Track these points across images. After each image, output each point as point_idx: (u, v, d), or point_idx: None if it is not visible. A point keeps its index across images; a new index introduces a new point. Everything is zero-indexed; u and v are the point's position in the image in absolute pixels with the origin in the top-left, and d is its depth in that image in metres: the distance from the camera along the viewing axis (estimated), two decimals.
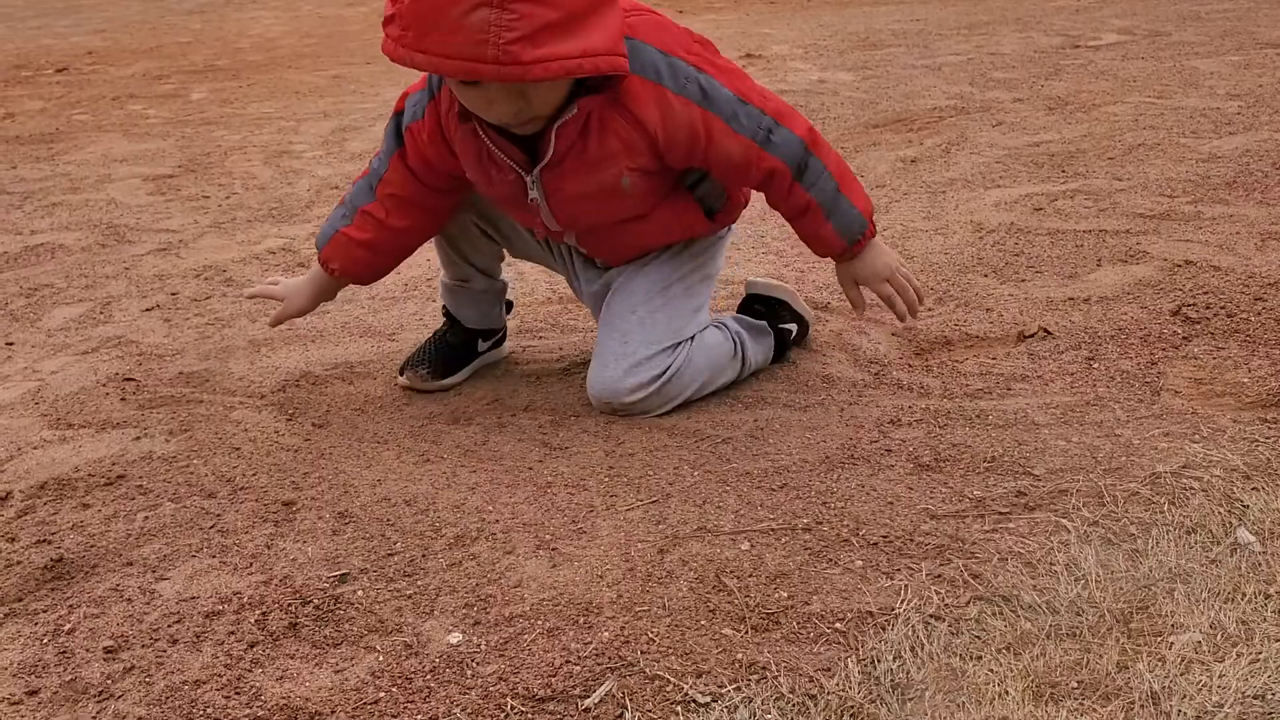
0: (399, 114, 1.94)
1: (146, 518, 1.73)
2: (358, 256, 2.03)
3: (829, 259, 1.99)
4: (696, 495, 1.67)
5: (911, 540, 1.51)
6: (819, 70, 5.01)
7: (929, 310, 2.31)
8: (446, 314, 2.20)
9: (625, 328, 1.93)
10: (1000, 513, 1.56)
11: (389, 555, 1.58)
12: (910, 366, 2.07)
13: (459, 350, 2.16)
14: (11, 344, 2.50)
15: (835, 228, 1.88)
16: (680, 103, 1.74)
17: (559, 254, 2.11)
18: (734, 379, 2.02)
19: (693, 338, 1.95)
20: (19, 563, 1.63)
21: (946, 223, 2.85)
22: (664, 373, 1.90)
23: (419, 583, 1.51)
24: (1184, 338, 2.08)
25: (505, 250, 2.18)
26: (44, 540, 1.69)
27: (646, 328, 1.93)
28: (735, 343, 2.01)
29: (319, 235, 2.08)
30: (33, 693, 1.36)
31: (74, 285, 2.86)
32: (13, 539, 1.70)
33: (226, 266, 2.92)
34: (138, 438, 1.99)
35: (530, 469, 1.80)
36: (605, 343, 1.94)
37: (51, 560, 1.62)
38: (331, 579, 1.53)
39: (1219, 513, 1.51)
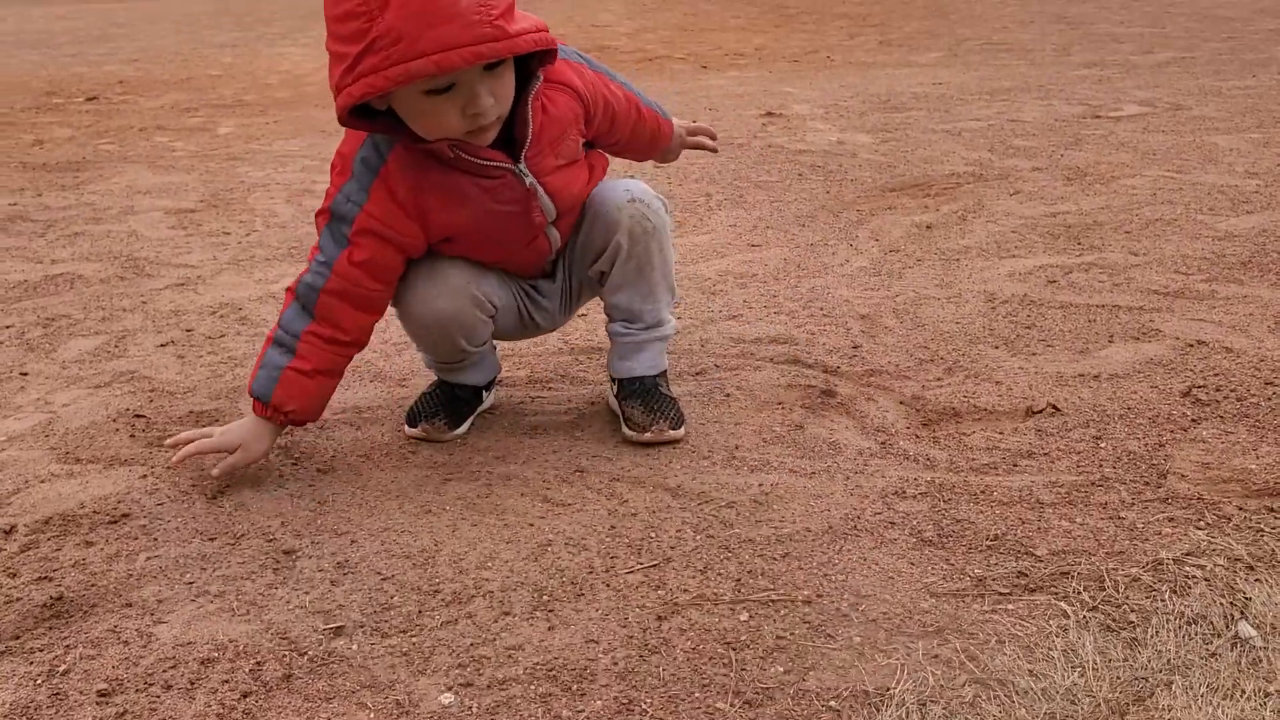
0: (331, 219, 1.88)
1: (149, 559, 1.73)
2: (312, 390, 1.93)
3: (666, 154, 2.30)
4: (698, 560, 1.66)
5: (911, 617, 1.50)
6: (839, 131, 5.04)
7: (938, 380, 2.31)
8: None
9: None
10: (1000, 593, 1.55)
11: (386, 609, 1.58)
12: (917, 437, 2.06)
13: (470, 402, 2.18)
14: (26, 374, 2.52)
15: (665, 117, 2.22)
16: (582, 67, 1.99)
17: (520, 294, 2.13)
18: (668, 308, 2.19)
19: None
20: (19, 599, 1.64)
21: (959, 291, 2.86)
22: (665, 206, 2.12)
23: (414, 639, 1.51)
24: (1193, 420, 2.08)
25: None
26: (45, 577, 1.69)
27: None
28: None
29: (255, 384, 1.91)
30: None
31: (91, 317, 2.89)
32: (14, 574, 1.71)
33: (243, 305, 2.94)
34: (144, 475, 2.00)
35: (531, 525, 1.80)
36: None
37: (51, 598, 1.63)
38: (328, 630, 1.53)
39: (1221, 604, 1.50)
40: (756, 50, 8.40)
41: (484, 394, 2.21)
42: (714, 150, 2.38)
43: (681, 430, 2.07)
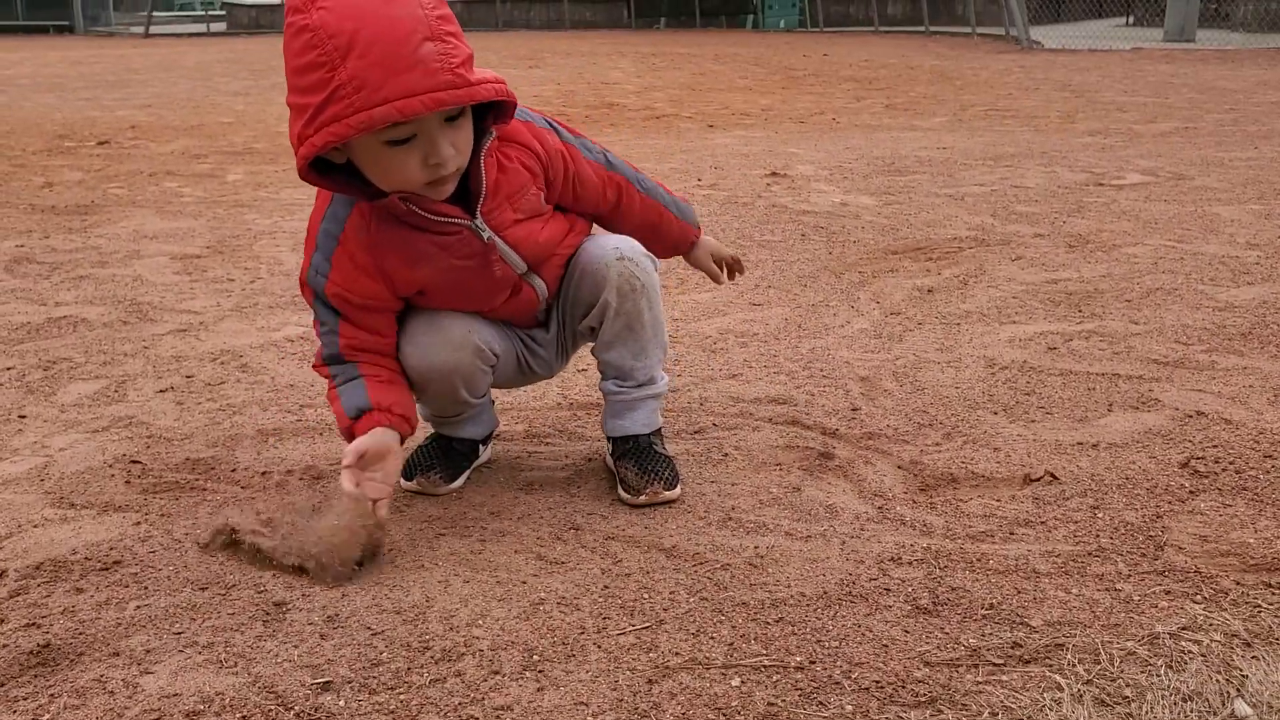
0: (315, 295, 1.92)
1: (138, 607, 1.72)
2: (400, 392, 1.95)
3: (684, 253, 2.30)
4: (690, 623, 1.65)
5: (904, 687, 1.49)
6: (842, 193, 5.08)
7: (936, 445, 2.31)
8: None
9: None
10: (994, 664, 1.54)
11: (375, 665, 1.56)
12: (915, 502, 2.06)
13: (467, 455, 2.17)
14: (24, 416, 2.52)
15: (684, 220, 2.24)
16: (547, 133, 1.99)
17: (518, 341, 2.13)
18: (659, 367, 2.18)
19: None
20: (5, 645, 1.62)
21: (960, 356, 2.87)
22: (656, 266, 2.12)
23: (401, 697, 1.49)
24: (1191, 492, 2.07)
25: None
26: (33, 624, 1.68)
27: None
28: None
29: (347, 408, 1.91)
30: None
31: (92, 361, 2.89)
32: (2, 620, 1.69)
33: (244, 352, 2.95)
34: (138, 523, 2.00)
35: (524, 583, 1.79)
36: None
37: (39, 645, 1.61)
38: (315, 686, 1.51)
39: (1217, 680, 1.48)
40: (763, 111, 8.49)
41: (481, 448, 2.21)
42: (718, 284, 2.37)
43: (677, 490, 2.06)
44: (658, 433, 2.17)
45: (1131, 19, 17.41)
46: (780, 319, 3.19)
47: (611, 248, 2.04)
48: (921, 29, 18.20)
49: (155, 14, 22.25)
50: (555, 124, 2.03)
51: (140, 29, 22.15)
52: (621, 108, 8.90)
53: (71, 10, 23.97)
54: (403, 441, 1.96)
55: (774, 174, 5.55)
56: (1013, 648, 1.58)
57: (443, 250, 1.89)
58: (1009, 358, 2.84)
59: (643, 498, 2.03)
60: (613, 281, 2.03)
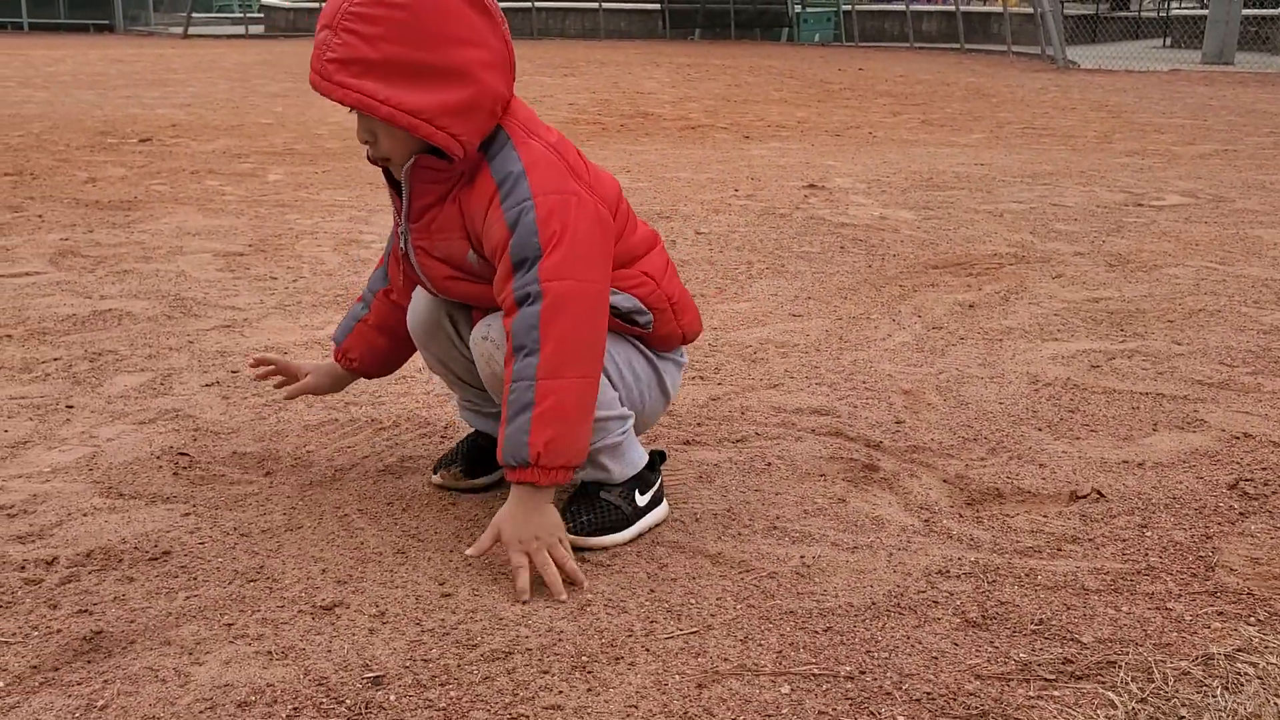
0: None
1: (188, 598, 1.73)
2: (376, 345, 2.17)
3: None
4: (738, 630, 1.65)
5: (955, 699, 1.48)
6: (881, 206, 5.07)
7: (981, 460, 2.30)
8: None
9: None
10: (1046, 679, 1.53)
11: (424, 661, 1.57)
12: (961, 516, 2.05)
13: (490, 453, 2.17)
14: (71, 407, 2.55)
15: (505, 435, 1.76)
16: (497, 216, 1.80)
17: None
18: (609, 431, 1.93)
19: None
20: (59, 631, 1.64)
21: (1002, 371, 2.85)
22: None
23: (452, 693, 1.50)
24: (1240, 514, 2.05)
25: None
26: (85, 611, 1.69)
27: None
28: (616, 410, 1.93)
29: (337, 331, 2.21)
30: None
31: (138, 354, 2.92)
32: (54, 606, 1.71)
33: (288, 349, 2.97)
34: (186, 514, 2.01)
35: (571, 584, 1.79)
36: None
37: (91, 632, 1.63)
38: (366, 680, 1.52)
39: (1275, 704, 1.47)
40: (799, 123, 8.49)
41: None
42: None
43: (603, 539, 1.92)
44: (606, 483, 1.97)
45: (1169, 41, 17.32)
46: (821, 330, 3.19)
47: (484, 324, 1.90)
48: (956, 46, 18.16)
49: (194, 15, 22.47)
50: (535, 214, 1.78)
51: (179, 29, 22.37)
52: (656, 117, 8.91)
53: (112, 9, 24.23)
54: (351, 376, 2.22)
55: (812, 186, 5.54)
56: (1064, 663, 1.57)
57: (396, 219, 2.00)
58: (1052, 374, 2.83)
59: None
60: (478, 358, 1.92)
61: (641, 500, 1.97)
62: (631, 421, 1.99)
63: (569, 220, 1.79)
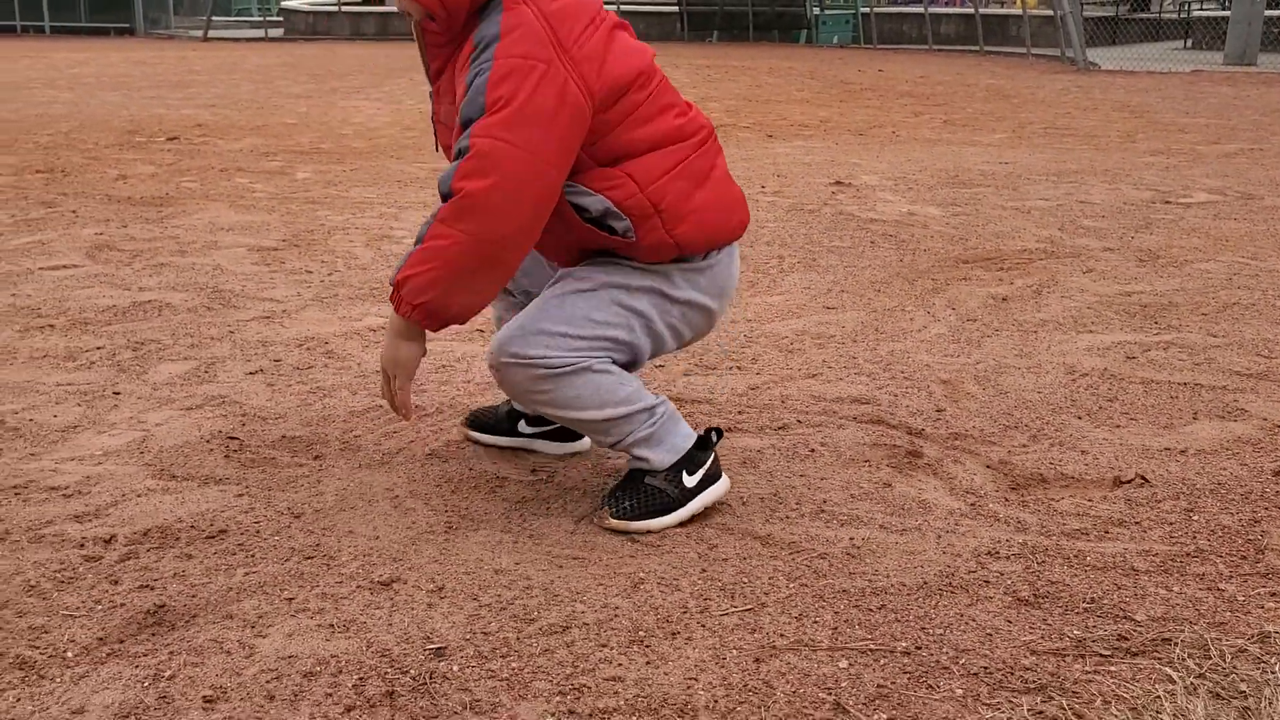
0: None
1: (247, 574, 1.76)
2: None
3: None
4: (792, 608, 1.66)
5: (1012, 674, 1.49)
6: (908, 203, 5.08)
7: (1023, 446, 2.31)
8: None
9: (529, 307, 1.92)
10: (1101, 654, 1.54)
11: (484, 634, 1.59)
12: (1006, 500, 2.06)
13: (504, 419, 2.24)
14: (118, 393, 2.58)
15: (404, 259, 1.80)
16: (464, 77, 1.79)
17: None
18: (611, 435, 1.92)
19: (589, 368, 1.87)
20: (121, 605, 1.66)
21: (1039, 362, 2.86)
22: (537, 358, 1.84)
23: (513, 665, 1.52)
24: None
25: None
26: (146, 586, 1.72)
27: (539, 307, 1.89)
28: (640, 403, 1.91)
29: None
30: None
31: (180, 343, 2.95)
32: (115, 581, 1.73)
33: (328, 339, 3.00)
34: (239, 495, 2.03)
35: (622, 562, 1.81)
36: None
37: (154, 606, 1.65)
38: (428, 651, 1.54)
39: None
40: (821, 122, 8.50)
41: (521, 424, 2.25)
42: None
43: (648, 523, 1.93)
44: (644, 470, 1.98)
45: (1190, 42, 17.25)
46: (856, 322, 3.20)
47: (493, 343, 1.90)
48: (975, 48, 18.13)
49: (213, 18, 22.58)
50: (497, 72, 1.73)
51: (199, 32, 22.49)
52: None
53: (132, 13, 24.40)
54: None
55: (838, 183, 5.55)
56: (1119, 640, 1.58)
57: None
58: (1089, 365, 2.83)
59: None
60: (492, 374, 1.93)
61: (690, 481, 1.96)
62: (661, 410, 1.96)
63: (524, 86, 1.71)
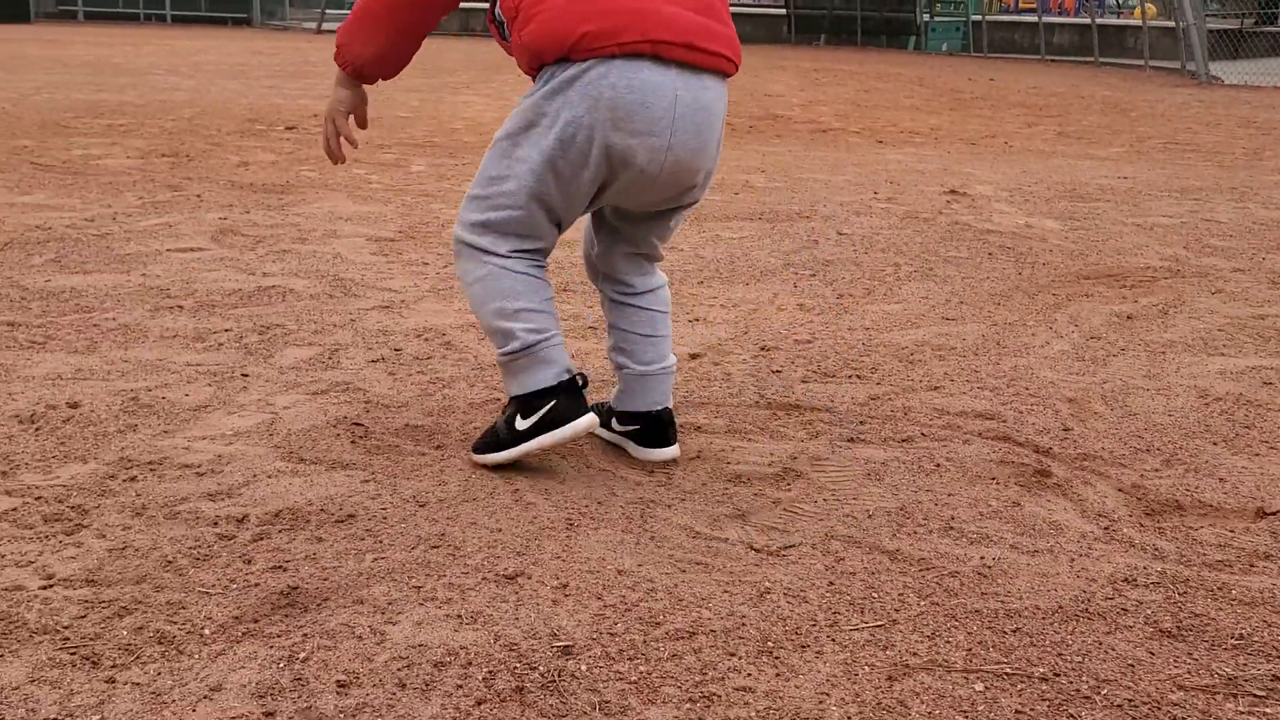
0: None
1: (375, 559, 1.78)
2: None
3: None
4: (924, 626, 1.63)
5: (1159, 708, 1.44)
6: (1025, 215, 4.97)
7: (1156, 470, 2.23)
8: None
9: None
10: (1256, 695, 1.48)
11: (610, 635, 1.58)
12: (1142, 526, 1.99)
13: (606, 413, 2.26)
14: (247, 375, 2.63)
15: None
16: None
17: None
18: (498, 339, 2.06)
19: (499, 266, 2.04)
20: (256, 585, 1.69)
21: (1168, 384, 2.77)
22: (463, 222, 2.09)
23: (641, 668, 1.51)
24: None
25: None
26: (279, 567, 1.75)
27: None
28: (509, 324, 2.03)
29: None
30: (269, 714, 1.40)
31: (304, 329, 3.01)
32: (249, 561, 1.77)
33: (446, 331, 3.03)
34: (366, 481, 2.06)
35: (746, 571, 1.79)
36: None
37: (288, 587, 1.68)
38: (556, 649, 1.54)
39: None
40: (932, 130, 8.37)
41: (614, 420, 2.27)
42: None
43: (476, 457, 2.14)
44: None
45: None
46: (977, 335, 3.13)
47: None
48: (1090, 59, 17.71)
49: (328, 10, 23.07)
50: None
51: (313, 24, 22.99)
52: (787, 120, 8.88)
53: (250, 3, 25.05)
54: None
55: (953, 192, 5.46)
56: (1274, 680, 1.51)
57: None
58: (1222, 389, 2.73)
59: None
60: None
61: (522, 424, 2.05)
62: (533, 341, 2.01)
63: None
